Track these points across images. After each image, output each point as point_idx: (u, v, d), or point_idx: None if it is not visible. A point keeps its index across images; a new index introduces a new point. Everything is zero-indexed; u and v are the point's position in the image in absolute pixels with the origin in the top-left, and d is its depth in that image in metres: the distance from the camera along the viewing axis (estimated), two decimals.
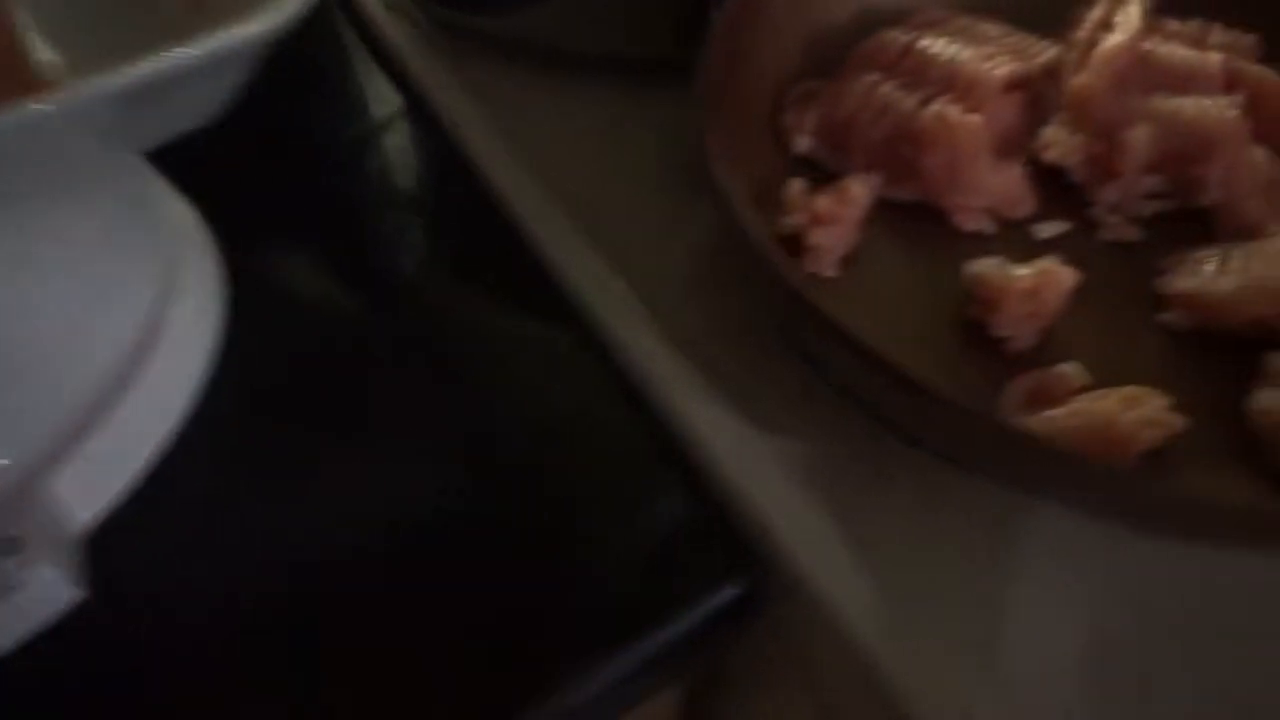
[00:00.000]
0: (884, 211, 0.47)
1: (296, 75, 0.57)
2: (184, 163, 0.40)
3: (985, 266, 0.42)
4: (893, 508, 0.39)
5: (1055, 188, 0.48)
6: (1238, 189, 0.45)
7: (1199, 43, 0.50)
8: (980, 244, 0.46)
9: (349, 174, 0.53)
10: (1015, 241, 0.46)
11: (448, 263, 0.49)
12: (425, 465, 0.41)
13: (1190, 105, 0.46)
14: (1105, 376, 0.40)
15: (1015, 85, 0.48)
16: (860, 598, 0.37)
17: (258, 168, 0.51)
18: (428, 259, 0.50)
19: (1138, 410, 0.38)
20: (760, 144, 0.49)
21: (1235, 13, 0.51)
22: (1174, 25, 0.50)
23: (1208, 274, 0.42)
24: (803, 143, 0.48)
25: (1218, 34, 0.50)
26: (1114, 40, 0.47)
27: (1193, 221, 0.47)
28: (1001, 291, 0.41)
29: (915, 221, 0.46)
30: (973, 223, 0.46)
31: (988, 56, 0.48)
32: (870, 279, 0.44)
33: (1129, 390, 0.39)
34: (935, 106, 0.46)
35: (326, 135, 0.55)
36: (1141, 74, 0.48)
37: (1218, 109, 0.46)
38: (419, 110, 0.55)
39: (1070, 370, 0.39)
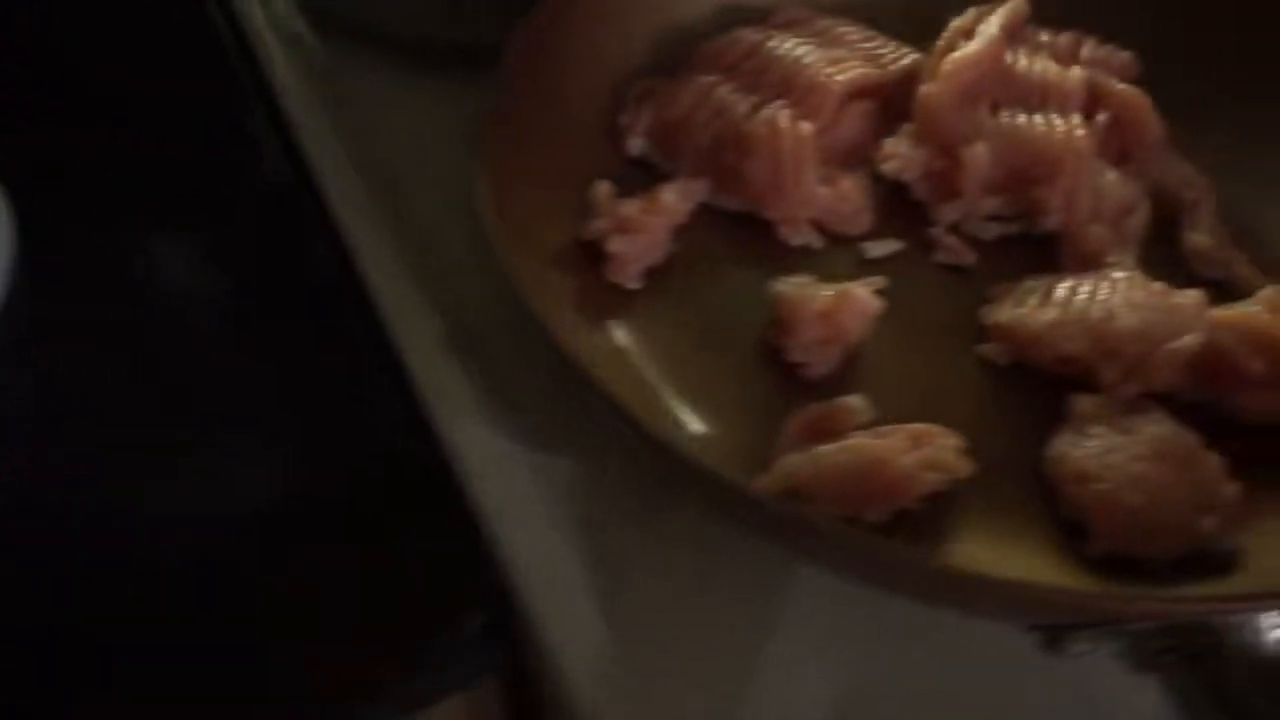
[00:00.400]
0: (710, 220, 0.44)
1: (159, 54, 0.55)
2: None
3: (788, 285, 0.39)
4: (653, 549, 0.36)
5: (899, 204, 0.45)
6: (1079, 214, 0.42)
7: (1068, 57, 0.47)
8: (805, 260, 0.43)
9: (202, 158, 0.51)
10: (843, 259, 0.43)
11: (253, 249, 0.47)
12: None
13: (1034, 123, 0.43)
14: (910, 410, 0.38)
15: (862, 93, 0.46)
16: (589, 651, 0.34)
17: (93, 144, 0.50)
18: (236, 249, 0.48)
19: (922, 451, 0.35)
20: (596, 144, 0.47)
21: (1115, 28, 0.49)
22: (1044, 37, 0.47)
23: (1029, 305, 0.39)
24: (635, 144, 0.45)
25: (1090, 49, 0.47)
26: (966, 50, 0.44)
27: (1037, 248, 0.44)
28: (796, 312, 0.38)
29: (741, 233, 0.44)
30: (799, 236, 0.43)
31: (835, 61, 0.45)
32: (677, 293, 0.41)
33: (917, 428, 0.36)
34: (767, 111, 0.43)
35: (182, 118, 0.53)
36: (998, 87, 0.45)
37: (1064, 128, 0.43)
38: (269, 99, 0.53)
39: (854, 403, 0.37)
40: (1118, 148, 0.45)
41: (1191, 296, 0.38)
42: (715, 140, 0.44)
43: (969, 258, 0.43)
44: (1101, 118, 0.45)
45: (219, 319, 0.45)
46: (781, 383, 0.39)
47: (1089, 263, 0.42)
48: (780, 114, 0.43)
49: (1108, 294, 0.38)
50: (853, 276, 0.42)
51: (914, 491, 0.35)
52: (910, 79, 0.45)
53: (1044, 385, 0.39)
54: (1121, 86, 0.45)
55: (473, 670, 0.37)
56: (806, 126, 0.43)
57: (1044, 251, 0.43)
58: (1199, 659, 0.32)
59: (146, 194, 0.48)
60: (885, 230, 0.44)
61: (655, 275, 0.42)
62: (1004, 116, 0.43)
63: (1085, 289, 0.39)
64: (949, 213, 0.43)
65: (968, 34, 0.46)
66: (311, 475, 0.39)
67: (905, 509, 0.35)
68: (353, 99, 0.50)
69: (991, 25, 0.45)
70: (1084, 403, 0.37)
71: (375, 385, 0.41)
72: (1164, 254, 0.43)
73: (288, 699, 0.35)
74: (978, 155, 0.42)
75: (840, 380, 0.39)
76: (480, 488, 0.37)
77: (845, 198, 0.44)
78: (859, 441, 0.35)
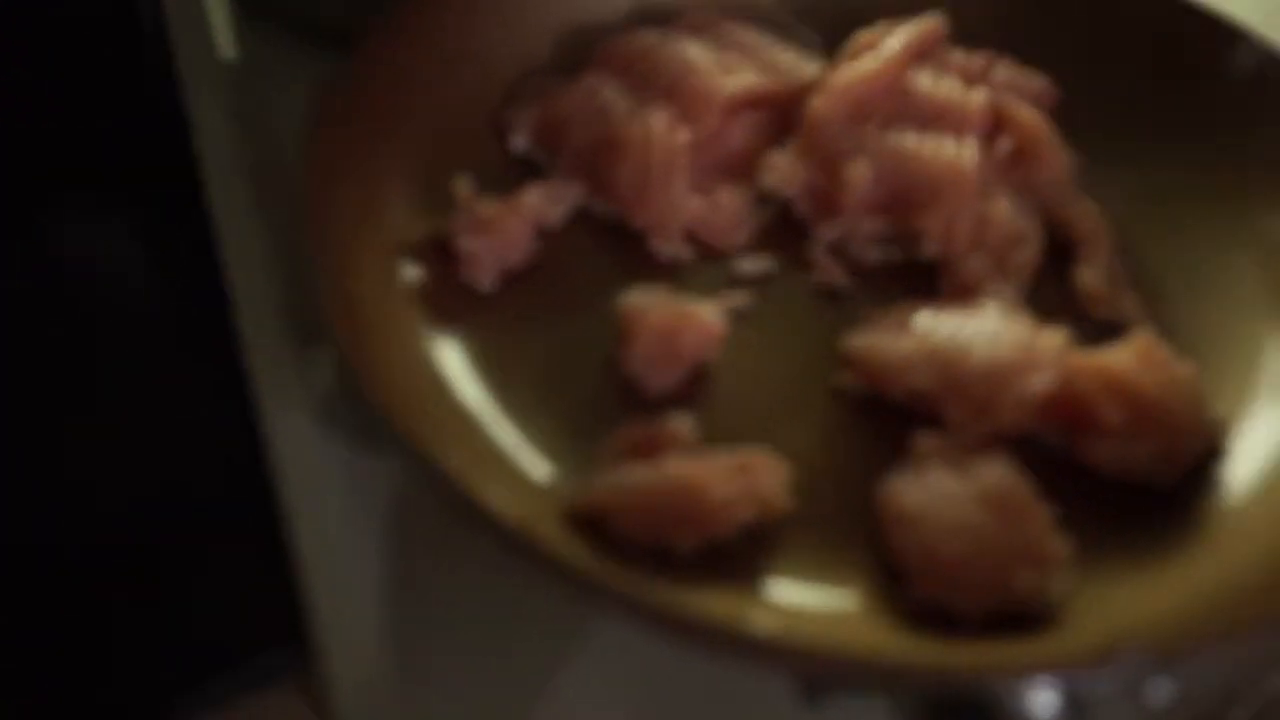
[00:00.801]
0: (586, 227, 0.43)
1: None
2: None
3: (634, 296, 0.37)
4: (450, 576, 0.34)
5: (783, 221, 0.43)
6: (958, 242, 0.40)
7: (978, 78, 0.44)
8: (675, 272, 0.42)
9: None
10: (714, 274, 0.41)
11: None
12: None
13: (921, 144, 0.41)
14: (751, 436, 0.36)
15: (754, 103, 0.44)
16: (364, 667, 0.32)
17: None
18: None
19: (743, 481, 0.34)
20: (488, 142, 0.45)
21: (1040, 58, 0.46)
22: (957, 57, 0.45)
23: (888, 334, 0.37)
24: (518, 141, 0.44)
25: (1004, 72, 0.45)
26: (861, 65, 0.43)
27: (920, 275, 0.41)
28: (635, 326, 0.36)
29: (615, 242, 0.42)
30: (669, 247, 0.41)
31: (729, 68, 0.44)
32: (531, 299, 0.40)
33: (745, 457, 0.35)
34: (644, 114, 0.42)
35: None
36: (893, 105, 0.43)
37: (951, 151, 0.41)
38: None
39: (679, 423, 0.35)
40: (1018, 176, 0.43)
41: (1053, 337, 0.36)
42: (593, 142, 0.42)
43: (842, 280, 0.41)
44: (1003, 143, 0.43)
45: (94, 300, 0.44)
46: (623, 399, 0.38)
47: (966, 293, 0.40)
48: (656, 118, 0.42)
49: (972, 328, 0.37)
50: (720, 292, 0.41)
51: (727, 523, 0.33)
52: (808, 92, 0.44)
53: (896, 419, 0.37)
54: (1026, 112, 0.43)
55: (272, 672, 0.36)
56: (681, 133, 0.41)
57: (926, 279, 0.41)
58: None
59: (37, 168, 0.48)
60: (764, 247, 0.42)
61: (514, 280, 0.40)
62: (893, 135, 0.42)
63: (950, 321, 0.37)
64: (828, 231, 0.42)
65: (872, 47, 0.44)
66: (139, 463, 0.39)
67: (720, 541, 0.34)
68: (257, 84, 0.49)
69: (893, 41, 0.43)
70: (925, 441, 0.35)
71: (219, 380, 0.40)
72: (1060, 291, 0.41)
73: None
74: (858, 173, 0.41)
75: (683, 399, 0.38)
76: (291, 489, 0.36)
77: (721, 210, 0.42)
78: (676, 466, 0.33)
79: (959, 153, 0.41)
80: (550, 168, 0.44)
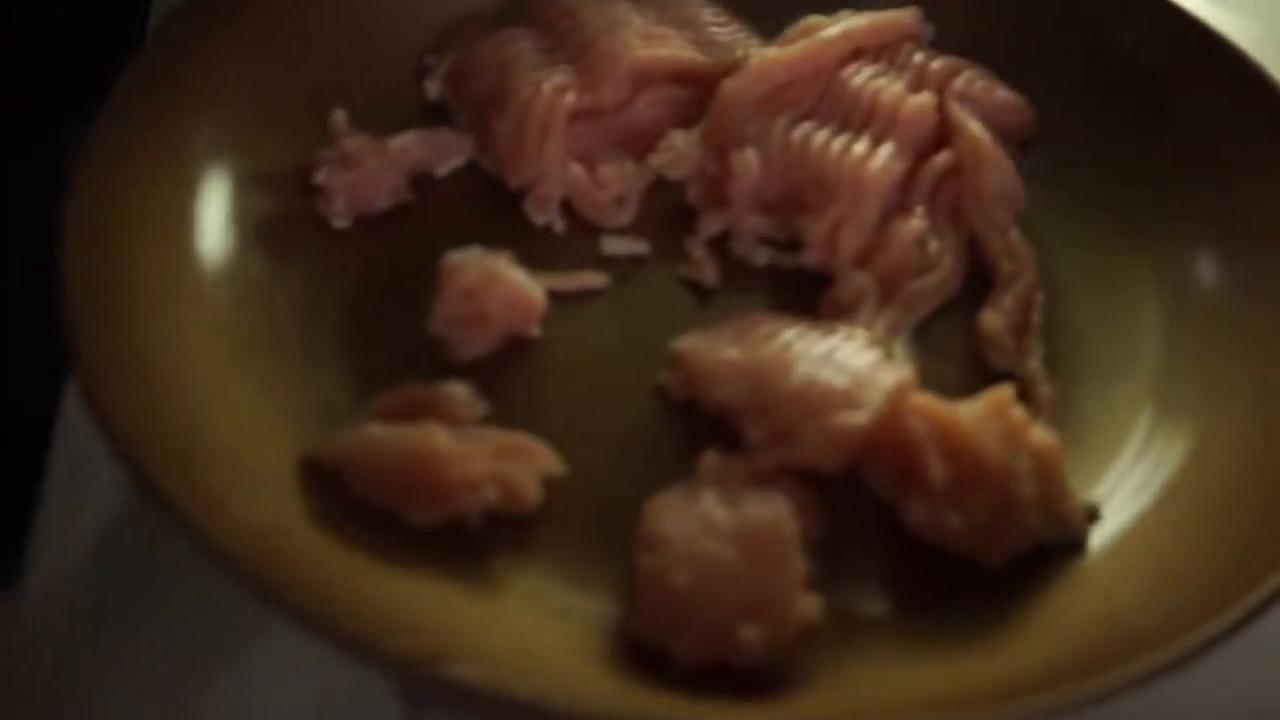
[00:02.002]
0: (470, 182, 0.40)
1: None
2: None
3: (455, 256, 0.34)
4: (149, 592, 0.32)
5: (681, 208, 0.39)
6: (841, 255, 0.35)
7: (932, 85, 0.39)
8: (544, 242, 0.38)
9: None
10: (584, 250, 0.38)
11: None
12: None
13: (825, 142, 0.36)
14: (550, 424, 0.32)
15: (674, 77, 0.40)
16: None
17: None
18: None
19: (494, 464, 0.30)
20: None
21: (1014, 70, 0.41)
22: (917, 58, 0.40)
23: (717, 340, 0.33)
24: (432, 87, 0.42)
25: (968, 81, 0.39)
26: (785, 49, 0.38)
27: (811, 287, 0.37)
28: (446, 282, 0.34)
29: (492, 202, 0.39)
30: (542, 215, 0.38)
31: (653, 37, 0.40)
32: (378, 246, 0.37)
33: (516, 440, 0.31)
34: (542, 75, 0.39)
35: None
36: (817, 99, 0.38)
37: (859, 155, 0.36)
38: None
39: (457, 393, 0.32)
40: (949, 197, 0.38)
41: (891, 375, 0.31)
42: (488, 94, 0.40)
43: (710, 277, 0.37)
44: (942, 157, 0.38)
45: None
46: (431, 362, 0.34)
47: (841, 313, 0.35)
48: (552, 77, 0.39)
49: (804, 349, 0.32)
50: (581, 268, 0.37)
51: (468, 503, 0.30)
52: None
53: (707, 431, 0.33)
54: (972, 126, 0.37)
55: None
56: (569, 96, 0.38)
57: (813, 291, 0.36)
58: None
59: None
60: (644, 231, 0.38)
61: (372, 225, 0.38)
62: (800, 128, 0.37)
63: (787, 338, 0.32)
64: (711, 223, 0.37)
65: (815, 31, 0.40)
66: None
67: (461, 521, 0.31)
68: None
69: (834, 29, 0.39)
70: (711, 460, 0.30)
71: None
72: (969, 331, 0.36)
73: None
74: (747, 162, 0.36)
75: (494, 372, 0.35)
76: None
77: (604, 185, 0.38)
78: (423, 431, 0.30)
79: (867, 157, 0.36)
80: (455, 118, 0.42)
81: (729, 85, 0.38)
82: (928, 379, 0.34)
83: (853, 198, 0.35)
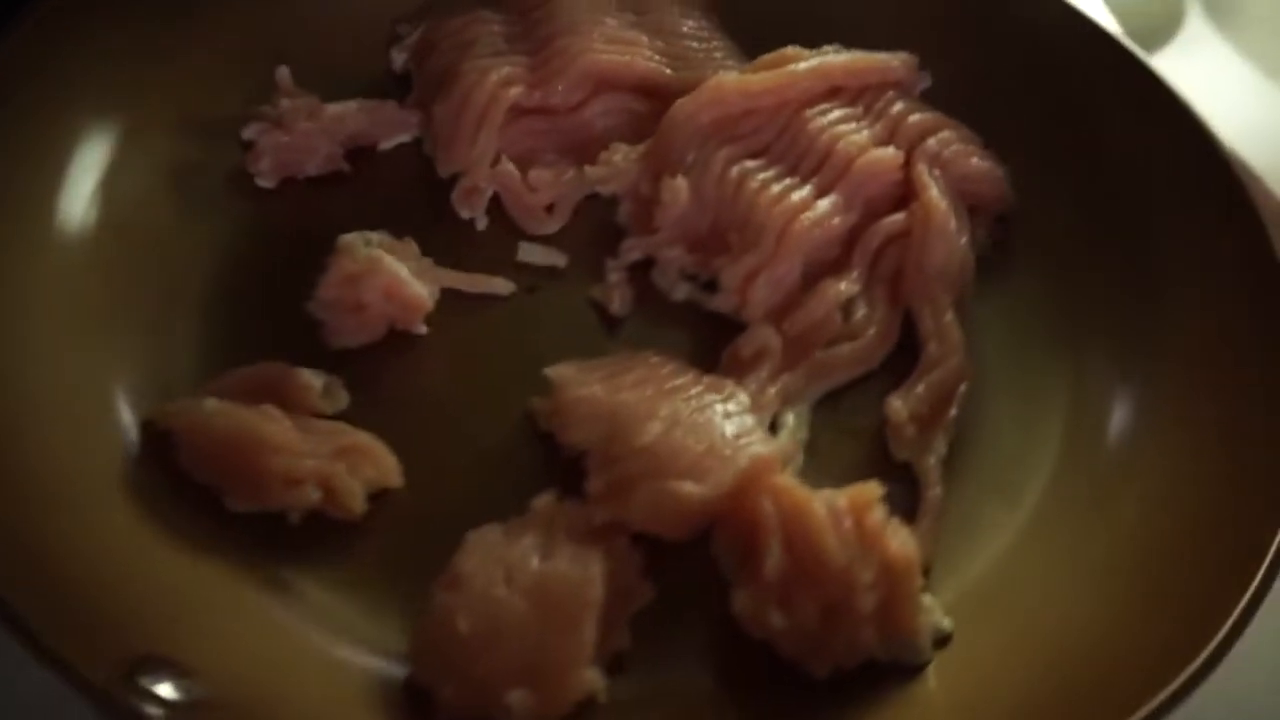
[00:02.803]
0: (413, 163, 0.38)
1: None
2: None
3: (350, 237, 0.33)
4: None
5: (611, 222, 0.37)
6: (751, 305, 0.33)
7: (904, 141, 0.36)
8: (463, 236, 0.36)
9: None
10: (499, 250, 0.36)
11: None
12: None
13: (761, 184, 0.33)
14: (410, 434, 0.31)
15: (639, 90, 0.38)
16: None
17: None
18: None
19: (332, 466, 0.29)
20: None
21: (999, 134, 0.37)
22: (896, 108, 0.37)
23: (591, 374, 0.31)
24: (398, 58, 0.40)
25: (944, 142, 0.36)
26: (744, 77, 0.35)
27: (723, 333, 0.34)
28: (333, 264, 0.32)
29: (426, 185, 0.37)
30: (466, 209, 0.36)
31: (618, 42, 0.38)
32: (292, 214, 0.36)
33: (361, 442, 0.30)
34: (493, 64, 0.37)
35: None
36: (774, 135, 0.35)
37: (794, 201, 0.33)
38: None
39: (312, 381, 0.30)
40: (894, 262, 0.35)
41: (759, 446, 0.28)
42: (440, 73, 0.38)
43: (619, 305, 0.34)
44: (892, 220, 0.35)
45: None
46: (305, 345, 0.33)
47: (739, 368, 0.32)
48: (502, 68, 0.37)
49: (685, 406, 0.29)
50: (494, 273, 0.35)
51: (287, 499, 0.29)
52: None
53: (565, 468, 0.31)
54: (932, 192, 0.34)
55: None
56: (514, 89, 0.36)
57: (723, 337, 0.34)
58: None
59: None
60: (569, 243, 0.36)
61: (299, 190, 0.37)
62: (741, 166, 0.34)
63: (669, 388, 0.30)
64: (633, 248, 0.35)
65: (790, 63, 0.37)
66: None
67: (281, 516, 0.29)
68: None
69: (805, 64, 0.36)
70: (545, 503, 0.28)
71: None
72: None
73: None
74: (676, 190, 0.34)
75: (368, 364, 0.33)
76: None
77: (536, 188, 0.36)
78: (256, 415, 0.29)
79: (801, 206, 0.33)
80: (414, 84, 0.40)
81: (678, 106, 0.35)
82: (818, 455, 0.32)
83: (775, 247, 0.32)
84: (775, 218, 0.33)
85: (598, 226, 0.37)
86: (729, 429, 0.29)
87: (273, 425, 0.29)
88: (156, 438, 0.30)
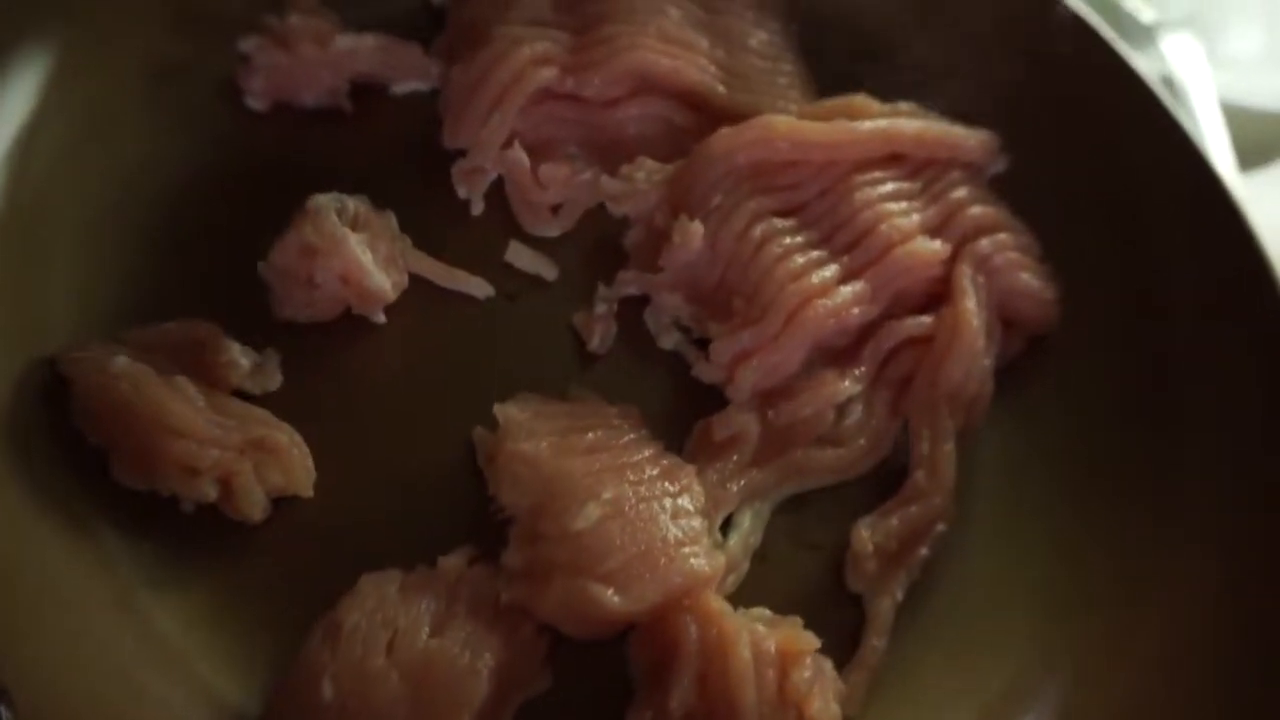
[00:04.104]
0: (422, 116, 0.34)
1: None
2: None
3: (319, 200, 0.29)
4: None
5: (615, 241, 0.33)
6: (736, 389, 0.29)
7: (957, 237, 0.32)
8: (453, 219, 0.33)
9: None
10: (487, 243, 0.32)
11: None
12: None
13: (783, 247, 0.30)
14: (336, 423, 0.28)
15: (673, 93, 0.33)
16: None
17: None
18: None
19: (237, 461, 0.26)
20: None
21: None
22: (959, 191, 0.33)
23: (540, 423, 0.28)
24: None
25: (997, 246, 0.31)
26: (802, 124, 0.31)
27: (708, 396, 0.31)
28: (292, 232, 0.29)
29: (428, 146, 0.33)
30: (464, 187, 0.33)
31: (674, 43, 0.33)
32: (273, 145, 0.32)
33: (275, 438, 0.27)
34: (529, 34, 0.33)
35: None
36: (813, 196, 0.31)
37: (814, 281, 0.29)
38: None
39: (239, 358, 0.27)
40: (907, 368, 0.31)
41: (698, 561, 0.25)
42: (471, 22, 0.34)
43: (597, 343, 0.31)
44: (916, 322, 0.31)
45: None
46: (254, 313, 0.30)
47: (708, 451, 0.29)
48: (538, 41, 0.33)
49: (630, 491, 0.26)
50: (475, 269, 0.32)
51: (181, 489, 0.26)
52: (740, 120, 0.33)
53: (488, 518, 0.28)
54: (967, 303, 0.31)
55: None
56: (547, 71, 0.32)
57: (709, 405, 0.31)
58: None
59: None
60: (563, 253, 0.32)
61: (289, 120, 0.33)
62: (768, 224, 0.31)
63: (620, 464, 0.27)
64: (630, 282, 0.31)
65: (856, 118, 0.33)
66: None
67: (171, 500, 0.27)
68: None
69: (871, 124, 0.32)
70: (454, 562, 0.25)
71: None
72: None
73: None
74: (690, 234, 0.30)
75: (314, 343, 0.30)
76: None
77: (545, 184, 0.33)
78: (167, 389, 0.26)
79: (821, 290, 0.30)
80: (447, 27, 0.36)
81: (717, 138, 0.31)
82: (768, 565, 0.29)
83: (780, 329, 0.29)
84: (788, 296, 0.29)
85: (598, 240, 0.33)
86: (672, 532, 0.26)
87: (180, 405, 0.26)
88: (57, 381, 0.27)
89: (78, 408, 0.26)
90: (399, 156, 0.34)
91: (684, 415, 0.30)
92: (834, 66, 0.36)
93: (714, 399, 0.31)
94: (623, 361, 0.31)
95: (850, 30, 0.36)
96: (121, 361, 0.26)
